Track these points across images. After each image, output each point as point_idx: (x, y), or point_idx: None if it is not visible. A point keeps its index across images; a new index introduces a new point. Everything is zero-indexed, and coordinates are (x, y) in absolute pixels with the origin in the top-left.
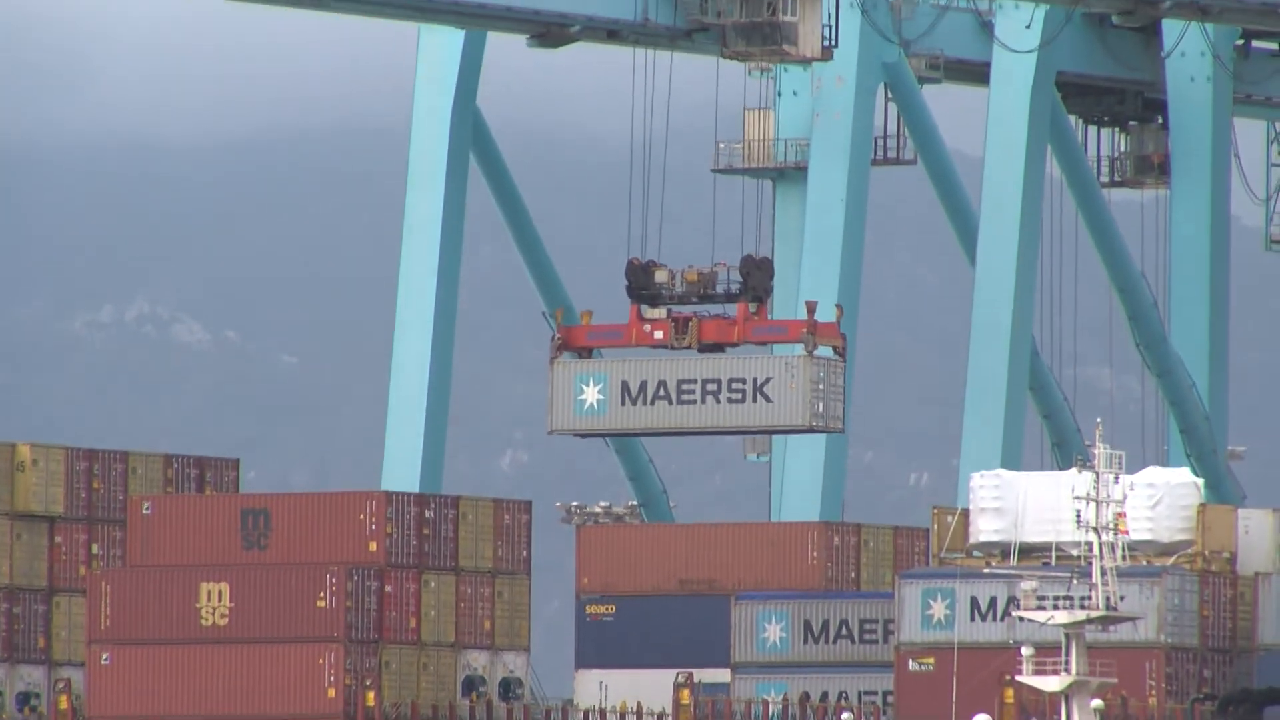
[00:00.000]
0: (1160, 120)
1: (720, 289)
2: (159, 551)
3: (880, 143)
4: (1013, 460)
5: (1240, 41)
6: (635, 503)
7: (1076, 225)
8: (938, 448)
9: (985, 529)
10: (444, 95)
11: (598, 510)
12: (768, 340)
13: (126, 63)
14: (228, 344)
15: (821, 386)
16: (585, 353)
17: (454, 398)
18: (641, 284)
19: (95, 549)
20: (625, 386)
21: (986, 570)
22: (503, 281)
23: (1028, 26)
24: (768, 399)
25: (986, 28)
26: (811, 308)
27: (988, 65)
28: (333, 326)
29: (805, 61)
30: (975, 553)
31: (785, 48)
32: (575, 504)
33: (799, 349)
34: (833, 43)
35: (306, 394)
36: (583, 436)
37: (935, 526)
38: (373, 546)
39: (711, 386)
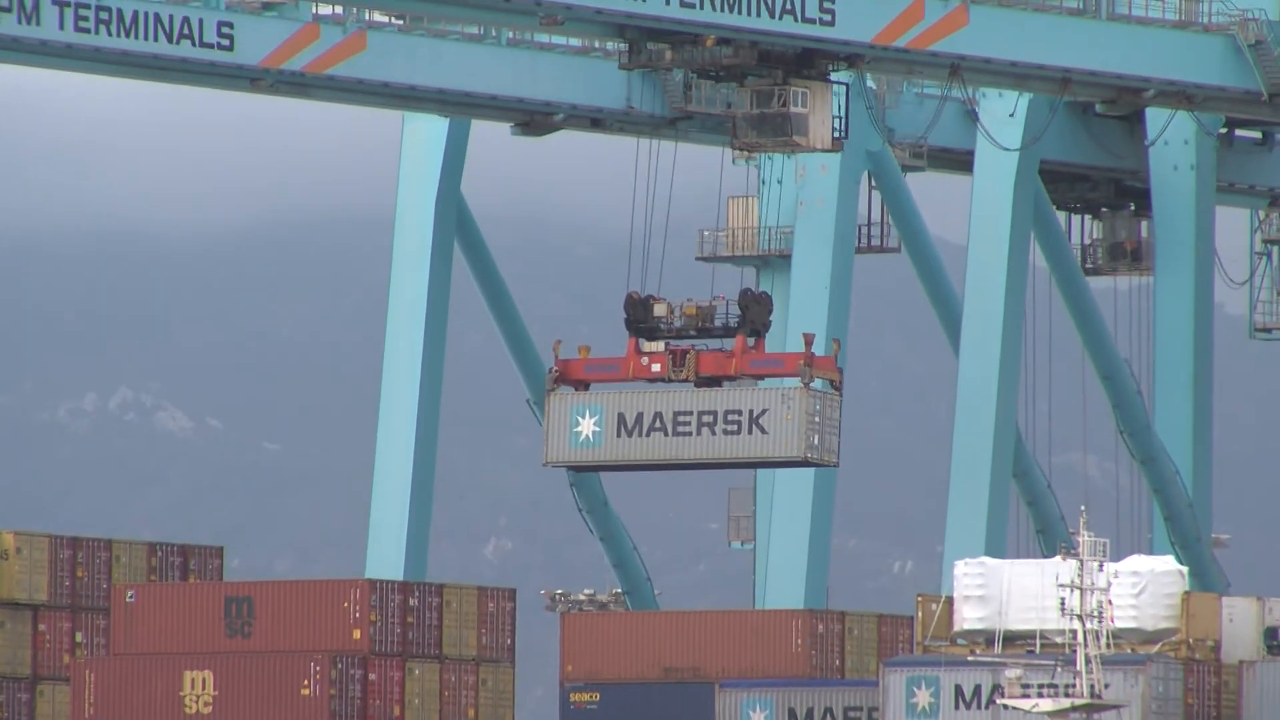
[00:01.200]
0: (1133, 207)
1: (719, 323)
2: (143, 639)
3: (864, 230)
4: (997, 547)
5: (1223, 129)
6: (619, 590)
7: (1060, 312)
8: (922, 534)
9: (969, 616)
10: (428, 183)
11: (582, 598)
12: (765, 373)
13: (111, 151)
14: (211, 431)
15: (817, 419)
16: (582, 386)
17: (438, 484)
18: (640, 318)
19: (79, 637)
20: (621, 418)
21: (971, 658)
22: (487, 368)
23: (1011, 115)
24: (763, 430)
25: (970, 116)
26: (809, 340)
27: (971, 153)
28: (316, 413)
29: (815, 152)
30: (960, 640)
31: (796, 139)
32: (559, 591)
33: (796, 382)
34: (843, 134)
35: (290, 481)
36: (578, 470)
37: (919, 614)
38: (356, 634)
39: (707, 418)
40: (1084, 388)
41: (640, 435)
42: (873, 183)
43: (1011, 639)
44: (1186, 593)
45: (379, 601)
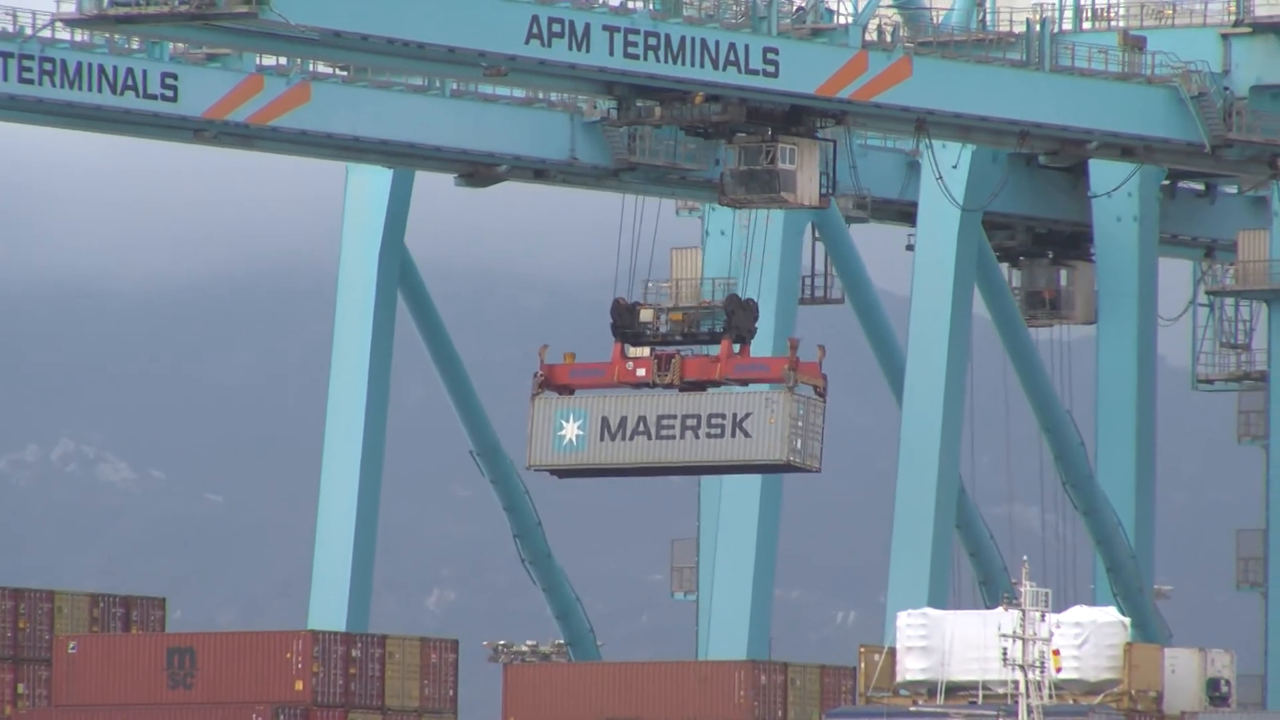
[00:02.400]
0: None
1: (705, 328)
2: (85, 690)
3: (808, 282)
4: (939, 598)
5: (1166, 181)
6: (562, 641)
7: (1004, 363)
8: (865, 586)
9: (912, 667)
10: (372, 234)
11: (524, 649)
12: (749, 378)
13: (54, 201)
14: (153, 482)
15: (800, 424)
16: (566, 391)
17: (381, 535)
18: (626, 323)
19: (21, 689)
20: (605, 422)
21: (913, 709)
22: (431, 420)
23: (955, 166)
24: (746, 434)
25: (913, 168)
26: (794, 345)
27: (914, 205)
28: (260, 465)
29: (803, 209)
30: (902, 691)
31: (784, 195)
32: (502, 642)
33: (780, 387)
34: (829, 190)
35: (233, 532)
36: (561, 474)
37: (862, 665)
38: (299, 685)
39: (691, 422)
40: (1031, 440)
41: (624, 439)
42: (816, 234)
43: (954, 690)
44: (1129, 644)
45: (322, 652)
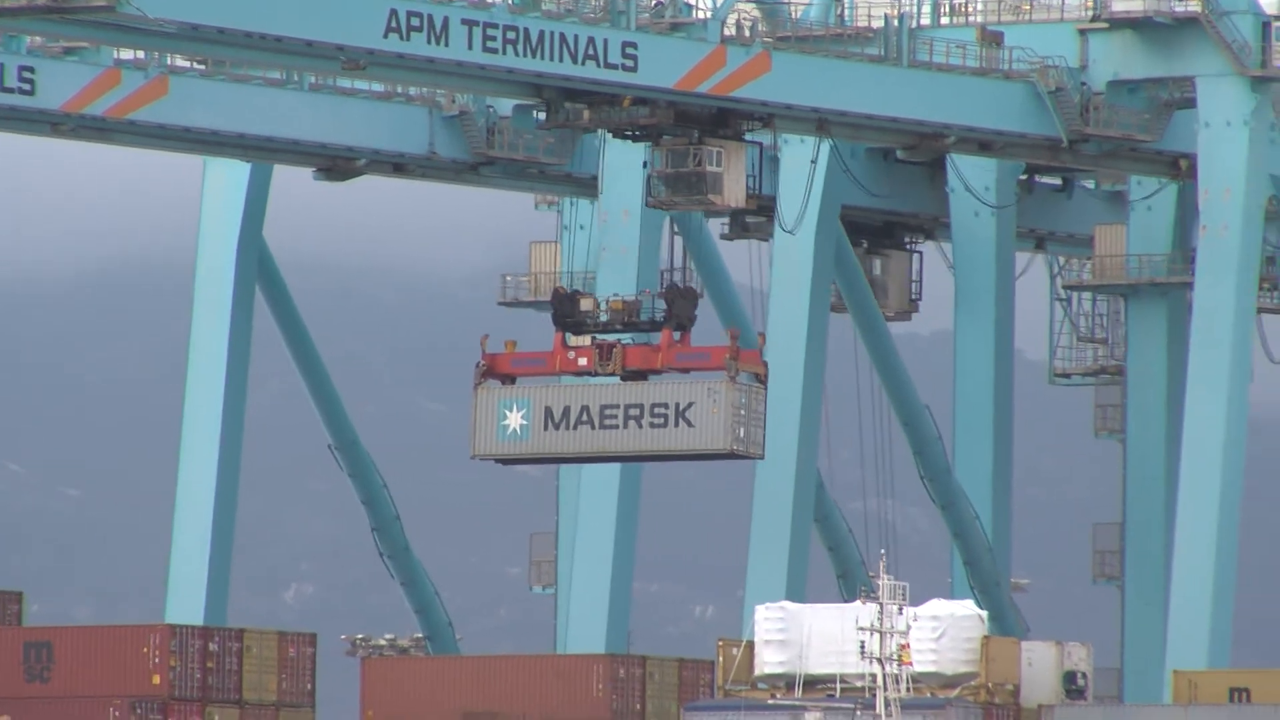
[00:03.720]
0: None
1: (645, 316)
2: None
3: (666, 276)
4: (797, 592)
5: (1023, 176)
6: (421, 635)
7: (863, 358)
8: (723, 580)
9: (770, 661)
10: (230, 228)
11: (383, 642)
12: (691, 366)
13: None
14: (11, 476)
15: (743, 412)
16: (509, 380)
17: (239, 530)
18: (566, 311)
19: None
20: (549, 412)
21: (771, 702)
22: (290, 414)
23: (813, 161)
24: (690, 424)
25: (771, 163)
26: (734, 335)
27: (772, 199)
28: (118, 459)
29: (729, 210)
30: (760, 684)
31: (711, 197)
32: (360, 636)
33: (721, 375)
34: (756, 191)
35: (91, 527)
36: (505, 463)
37: (720, 658)
38: (156, 679)
39: (634, 411)
40: (888, 434)
41: (567, 428)
42: (675, 228)
43: (812, 683)
44: (986, 637)
45: (179, 646)
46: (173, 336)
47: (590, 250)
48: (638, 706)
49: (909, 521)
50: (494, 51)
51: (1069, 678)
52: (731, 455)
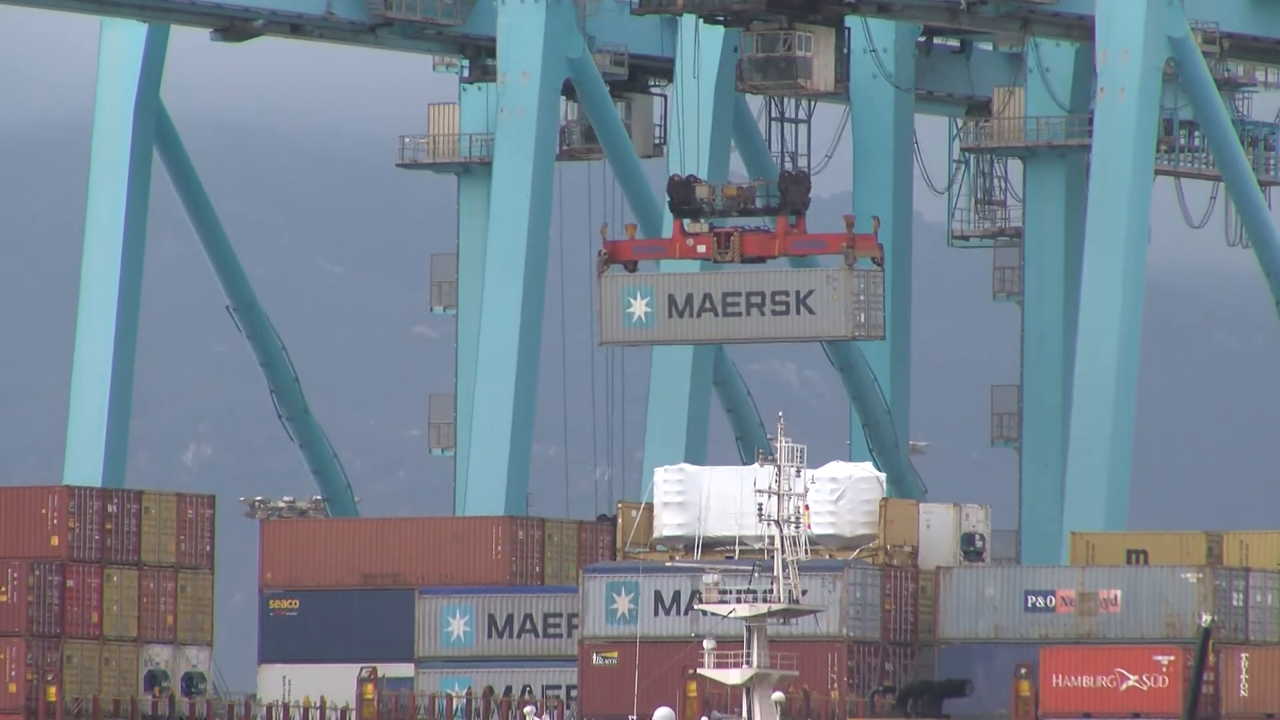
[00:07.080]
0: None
1: (760, 203)
2: None
3: (565, 137)
4: (697, 455)
5: (922, 39)
6: (320, 497)
7: None
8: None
9: (669, 523)
10: (127, 89)
11: (281, 505)
12: (808, 252)
13: None
14: None
15: (863, 297)
16: (631, 266)
17: (137, 392)
18: (683, 198)
19: None
20: (672, 299)
21: (670, 564)
22: (187, 276)
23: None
24: (811, 311)
25: (670, 25)
26: (850, 221)
27: (672, 62)
28: (13, 322)
29: (819, 95)
30: (659, 547)
31: (800, 81)
32: (259, 498)
33: (839, 261)
34: (845, 77)
35: None
36: (632, 347)
37: (620, 520)
38: (55, 541)
39: (756, 299)
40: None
41: (691, 316)
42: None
43: (711, 545)
44: (884, 499)
45: (78, 508)
46: (73, 199)
47: (488, 112)
48: (537, 569)
49: (807, 384)
50: None
51: (967, 539)
52: (853, 339)
